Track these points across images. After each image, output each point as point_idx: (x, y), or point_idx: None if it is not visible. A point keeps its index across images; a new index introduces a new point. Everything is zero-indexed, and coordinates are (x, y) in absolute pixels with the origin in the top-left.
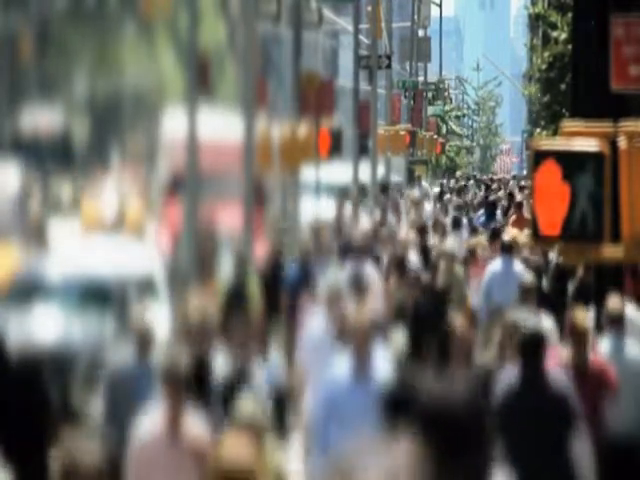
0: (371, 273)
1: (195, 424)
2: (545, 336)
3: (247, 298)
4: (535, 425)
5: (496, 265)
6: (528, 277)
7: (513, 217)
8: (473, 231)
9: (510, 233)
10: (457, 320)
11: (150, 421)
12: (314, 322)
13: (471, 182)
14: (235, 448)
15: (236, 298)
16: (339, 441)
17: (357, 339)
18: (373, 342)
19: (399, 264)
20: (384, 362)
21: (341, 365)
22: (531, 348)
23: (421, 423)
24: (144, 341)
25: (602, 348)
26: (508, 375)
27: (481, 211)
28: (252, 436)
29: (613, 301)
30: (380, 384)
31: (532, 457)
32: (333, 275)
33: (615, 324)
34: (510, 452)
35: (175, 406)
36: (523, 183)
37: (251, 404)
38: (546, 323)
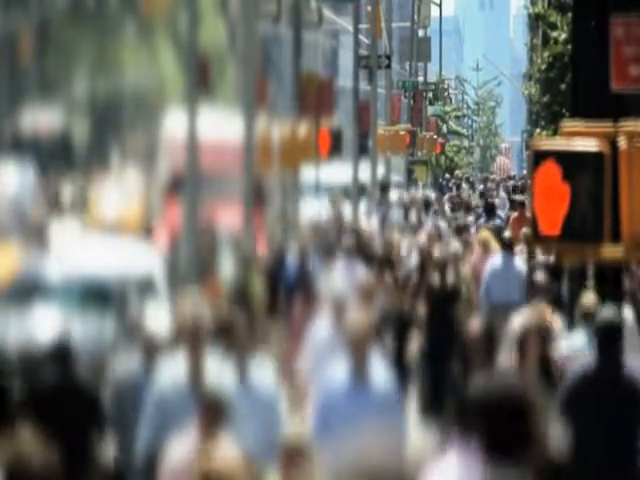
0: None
1: (228, 450)
2: (621, 325)
3: (250, 299)
4: (607, 414)
5: (496, 262)
6: (540, 276)
7: (515, 215)
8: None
9: (480, 235)
10: (472, 325)
11: (182, 446)
12: (318, 329)
13: (464, 185)
14: (222, 460)
15: (239, 299)
16: (335, 449)
17: (355, 345)
18: (371, 348)
19: (383, 266)
20: (381, 369)
21: (338, 371)
22: (608, 336)
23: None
24: (151, 350)
25: (576, 342)
26: (583, 362)
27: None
28: (299, 459)
29: (586, 296)
30: (378, 391)
31: (601, 444)
32: (338, 282)
33: (588, 318)
34: (579, 438)
35: (210, 433)
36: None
37: (297, 425)
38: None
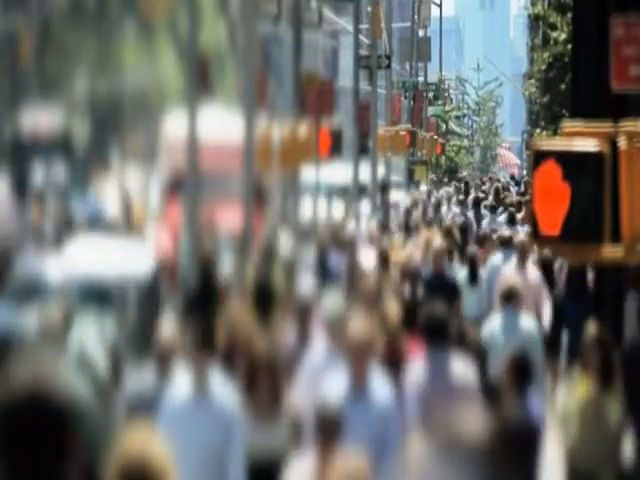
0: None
1: (348, 467)
2: None
3: (274, 294)
4: None
5: (497, 259)
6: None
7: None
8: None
9: (424, 235)
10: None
11: (300, 470)
12: (312, 356)
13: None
14: (140, 441)
15: (261, 296)
16: None
17: (355, 354)
18: (371, 358)
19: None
20: (380, 380)
21: (336, 382)
22: None
23: None
24: (165, 359)
25: (492, 324)
26: None
27: (502, 216)
28: (334, 432)
29: (505, 278)
30: (377, 403)
31: None
32: (336, 299)
33: (507, 300)
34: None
35: (326, 453)
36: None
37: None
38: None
